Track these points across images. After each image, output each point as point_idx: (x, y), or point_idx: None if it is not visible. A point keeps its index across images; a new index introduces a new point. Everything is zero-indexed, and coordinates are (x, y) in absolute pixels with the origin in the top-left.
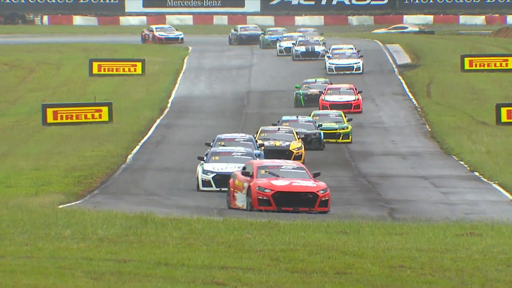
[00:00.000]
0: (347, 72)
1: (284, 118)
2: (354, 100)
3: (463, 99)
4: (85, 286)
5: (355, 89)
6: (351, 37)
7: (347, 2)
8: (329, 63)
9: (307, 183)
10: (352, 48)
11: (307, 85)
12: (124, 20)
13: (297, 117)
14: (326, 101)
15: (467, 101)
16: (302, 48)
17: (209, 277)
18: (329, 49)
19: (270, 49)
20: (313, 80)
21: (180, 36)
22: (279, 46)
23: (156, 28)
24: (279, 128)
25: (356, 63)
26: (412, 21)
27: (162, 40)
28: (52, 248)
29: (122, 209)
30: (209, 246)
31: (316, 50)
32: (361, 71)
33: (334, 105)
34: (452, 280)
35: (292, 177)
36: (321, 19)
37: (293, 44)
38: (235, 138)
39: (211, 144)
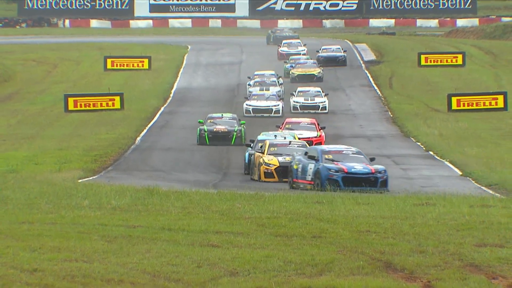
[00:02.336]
0: (311, 111)
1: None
2: (315, 137)
3: (419, 90)
4: (101, 247)
5: (317, 124)
6: (325, 38)
7: (322, 8)
8: (294, 101)
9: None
10: (319, 91)
11: (212, 121)
12: (133, 23)
13: (221, 114)
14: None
15: (423, 92)
16: (256, 89)
17: (206, 240)
18: (295, 91)
19: (258, 47)
20: (219, 115)
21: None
22: (248, 84)
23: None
24: (222, 115)
25: (322, 102)
26: (377, 24)
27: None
28: (72, 216)
29: (132, 183)
30: (206, 214)
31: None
32: (326, 110)
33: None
34: (410, 243)
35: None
36: (300, 22)
37: (249, 85)
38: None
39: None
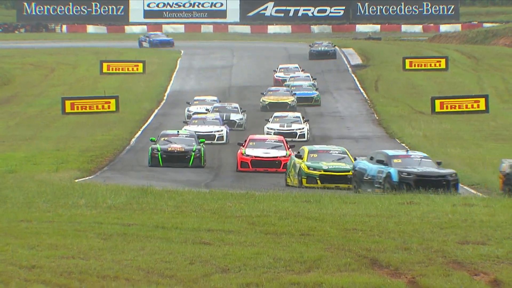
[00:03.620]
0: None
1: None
2: (284, 157)
3: (404, 93)
4: (97, 245)
5: (285, 142)
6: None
7: (310, 14)
8: (267, 128)
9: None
10: (298, 117)
11: (166, 138)
12: (128, 29)
13: (177, 131)
14: (247, 155)
15: (407, 94)
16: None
17: (198, 238)
18: (271, 117)
19: (248, 50)
20: (175, 132)
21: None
22: (187, 111)
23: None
24: (178, 132)
25: (300, 129)
26: (363, 29)
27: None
28: (69, 214)
29: (127, 182)
30: (198, 213)
31: (231, 118)
32: (305, 138)
33: (256, 162)
34: (395, 240)
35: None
36: (289, 28)
37: (206, 109)
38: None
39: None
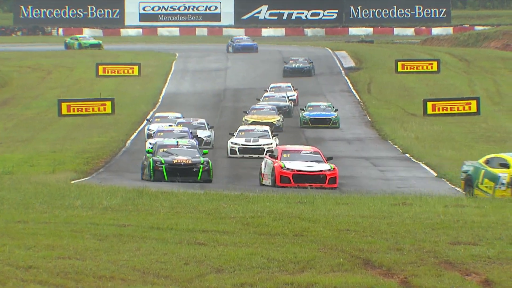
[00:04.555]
0: (253, 155)
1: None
2: (328, 171)
3: (396, 95)
4: (93, 245)
5: (322, 154)
6: (307, 45)
7: (303, 17)
8: (231, 143)
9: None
10: (267, 131)
11: (165, 150)
12: (124, 32)
13: (176, 142)
14: (288, 169)
15: (399, 97)
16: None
17: (193, 239)
18: (236, 130)
19: (241, 53)
20: (173, 142)
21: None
22: (147, 129)
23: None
24: (177, 142)
25: (267, 144)
26: (356, 32)
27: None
28: (66, 215)
29: (122, 184)
30: (193, 214)
31: (198, 135)
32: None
33: (299, 176)
34: (388, 241)
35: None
36: (283, 31)
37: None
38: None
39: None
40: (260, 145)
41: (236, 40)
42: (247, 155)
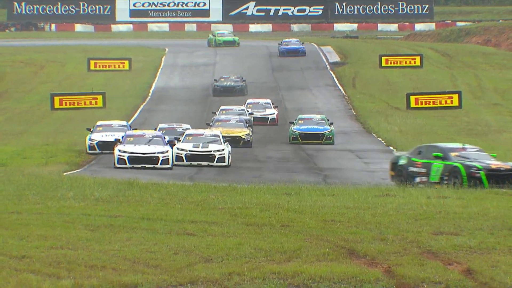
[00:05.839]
0: (203, 163)
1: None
2: None
3: (380, 89)
4: (85, 236)
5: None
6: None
7: (290, 13)
8: (177, 149)
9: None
10: (217, 135)
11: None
12: (115, 28)
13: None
14: None
15: (383, 91)
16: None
17: (182, 229)
18: (182, 135)
19: (229, 48)
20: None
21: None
22: (89, 140)
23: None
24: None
25: (218, 151)
26: (341, 28)
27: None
28: (58, 206)
29: (113, 176)
30: (182, 205)
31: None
32: (226, 163)
33: None
34: (372, 231)
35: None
36: (270, 27)
37: (116, 139)
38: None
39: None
40: (211, 151)
41: (284, 43)
42: (196, 163)
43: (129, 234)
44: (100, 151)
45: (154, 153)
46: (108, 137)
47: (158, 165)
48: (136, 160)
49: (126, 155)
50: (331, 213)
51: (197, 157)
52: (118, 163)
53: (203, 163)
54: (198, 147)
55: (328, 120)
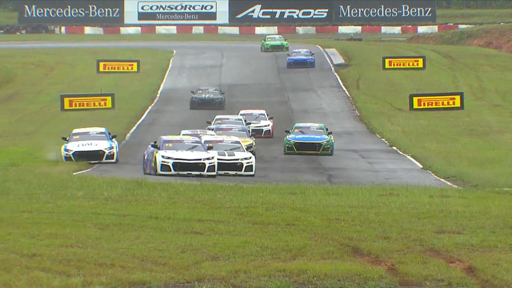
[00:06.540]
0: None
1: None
2: None
3: (384, 90)
4: (94, 234)
5: None
6: (298, 43)
7: (295, 16)
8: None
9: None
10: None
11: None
12: (123, 30)
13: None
14: None
15: (387, 92)
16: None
17: (189, 228)
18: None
19: (235, 50)
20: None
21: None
22: (64, 150)
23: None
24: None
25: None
26: (345, 31)
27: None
28: (68, 205)
29: (122, 175)
30: (189, 204)
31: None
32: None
33: None
34: (375, 230)
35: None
36: (275, 29)
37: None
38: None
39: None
40: (238, 159)
41: (293, 53)
42: (223, 172)
43: (137, 233)
44: (76, 162)
45: (200, 159)
46: (85, 146)
47: (205, 172)
48: (182, 166)
49: (171, 161)
50: (336, 212)
51: (224, 165)
52: (161, 170)
53: (230, 172)
54: (224, 155)
55: (327, 129)
